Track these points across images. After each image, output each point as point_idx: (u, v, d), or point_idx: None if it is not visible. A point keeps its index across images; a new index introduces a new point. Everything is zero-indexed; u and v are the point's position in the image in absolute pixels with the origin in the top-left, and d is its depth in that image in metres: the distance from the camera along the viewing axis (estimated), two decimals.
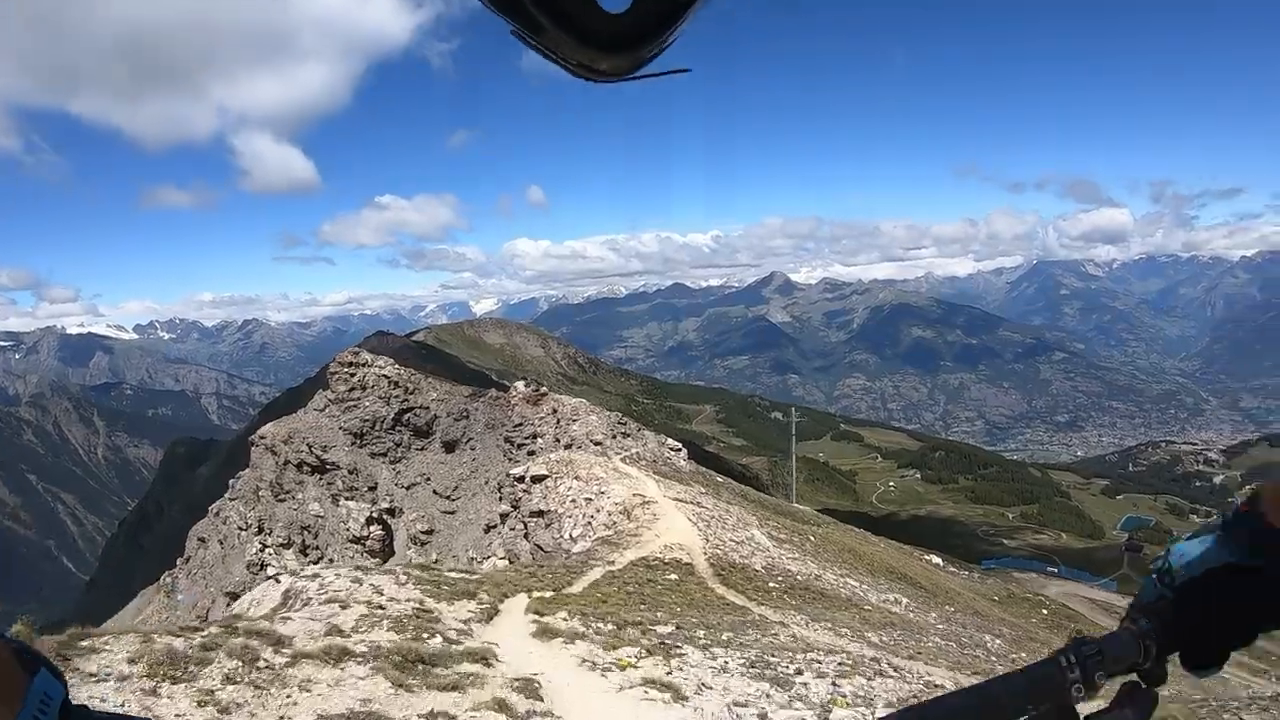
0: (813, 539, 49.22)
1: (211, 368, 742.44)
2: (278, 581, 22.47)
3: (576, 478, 49.32)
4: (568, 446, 62.96)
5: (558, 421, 69.06)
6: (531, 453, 64.75)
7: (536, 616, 18.85)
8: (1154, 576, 1.68)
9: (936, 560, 67.60)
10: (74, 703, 1.13)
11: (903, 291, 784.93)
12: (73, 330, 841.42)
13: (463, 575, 25.05)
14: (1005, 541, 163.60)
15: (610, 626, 18.29)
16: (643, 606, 22.31)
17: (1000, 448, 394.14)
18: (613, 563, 29.65)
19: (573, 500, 45.54)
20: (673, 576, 27.87)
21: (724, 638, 18.54)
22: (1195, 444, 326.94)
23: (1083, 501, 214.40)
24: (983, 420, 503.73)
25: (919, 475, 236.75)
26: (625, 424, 71.24)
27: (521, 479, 52.83)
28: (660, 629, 18.83)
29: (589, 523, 41.58)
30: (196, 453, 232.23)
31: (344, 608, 17.11)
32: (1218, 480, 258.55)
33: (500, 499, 57.49)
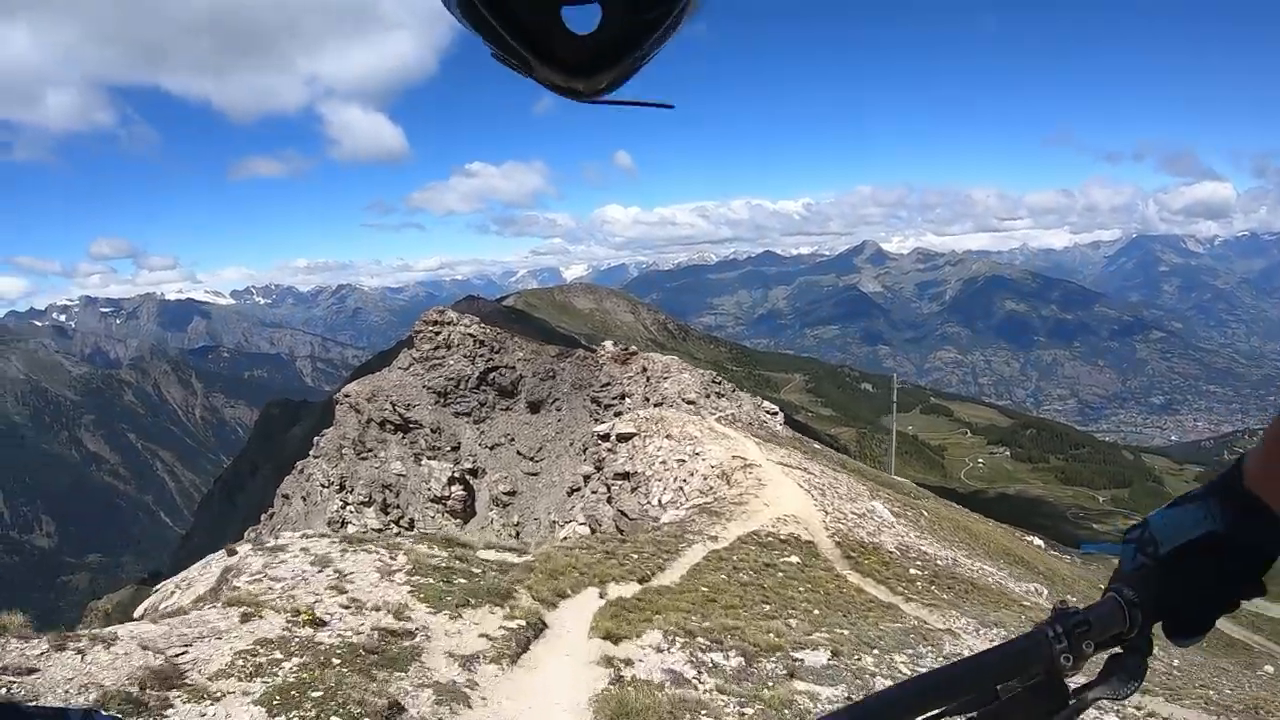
0: (926, 514, 45.14)
1: (306, 331, 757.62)
2: (230, 554, 17.50)
3: (668, 436, 45.04)
4: (658, 405, 60.44)
5: (648, 380, 67.71)
6: (619, 413, 61.69)
7: (607, 642, 12.87)
8: (1133, 545, 1.68)
9: (1039, 543, 65.48)
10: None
11: (996, 263, 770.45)
12: (171, 296, 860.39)
13: (501, 559, 18.42)
14: (1095, 526, 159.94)
15: (734, 658, 12.44)
16: (767, 607, 16.92)
17: (1092, 428, 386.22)
18: (715, 538, 24.49)
19: (663, 461, 41.35)
20: (793, 559, 22.62)
21: (896, 662, 13.73)
22: None
23: (1176, 488, 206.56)
24: (1075, 399, 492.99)
25: (1008, 453, 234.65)
26: (720, 383, 69.09)
27: (606, 437, 49.57)
28: (809, 658, 12.96)
29: (681, 487, 36.96)
30: (290, 413, 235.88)
31: (249, 619, 10.62)
32: None
33: (584, 459, 54.59)
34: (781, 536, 25.45)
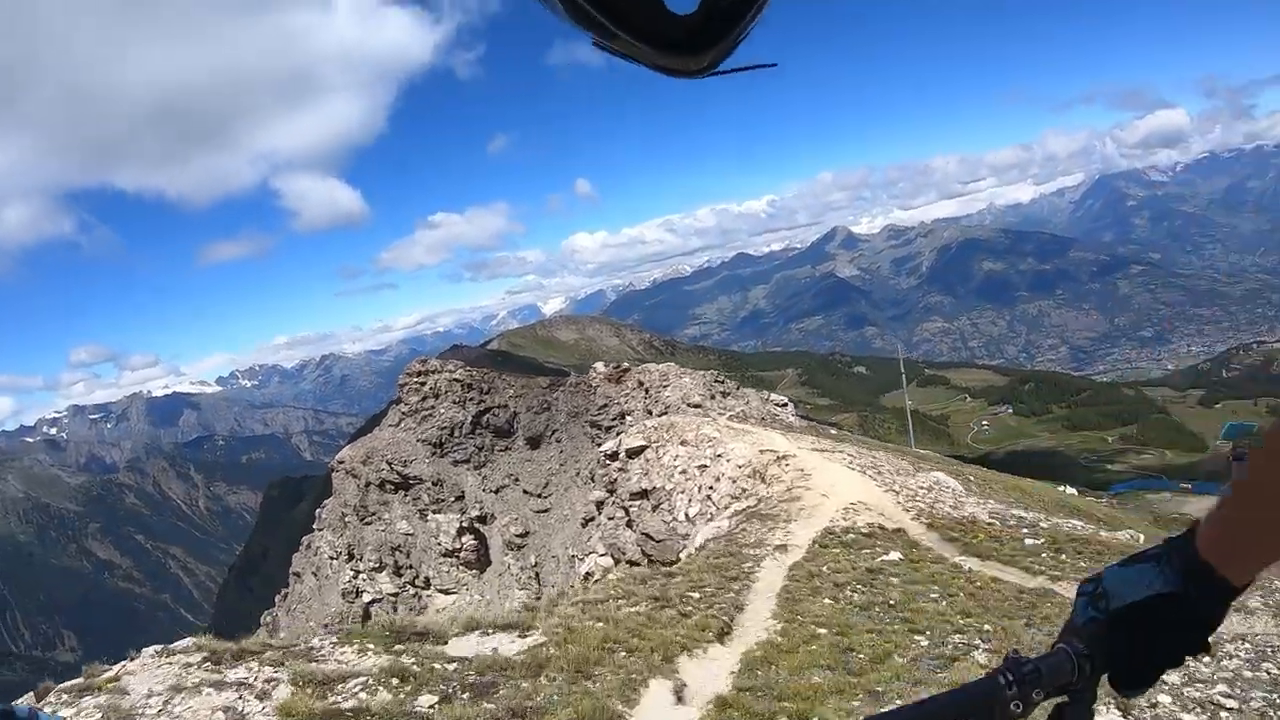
0: (973, 479, 41.66)
1: (297, 407, 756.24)
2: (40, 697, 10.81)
3: (683, 443, 41.34)
4: (663, 414, 56.03)
5: (646, 393, 64.27)
6: (621, 433, 56.76)
7: None
8: (1086, 599, 1.72)
9: (1071, 490, 64.38)
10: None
11: (966, 227, 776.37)
12: (158, 393, 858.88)
13: (489, 653, 10.84)
14: (1109, 466, 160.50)
15: None
16: (923, 640, 11.90)
17: (1089, 371, 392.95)
18: (784, 547, 19.99)
19: (682, 471, 37.94)
20: (894, 555, 18.27)
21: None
22: None
23: (1181, 415, 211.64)
24: (1067, 346, 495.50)
25: (1011, 410, 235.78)
26: (722, 382, 65.37)
27: (615, 456, 45.87)
28: None
29: (708, 495, 34.10)
30: (292, 491, 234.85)
31: None
32: None
33: (594, 485, 51.36)
34: (863, 529, 21.46)
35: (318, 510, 69.85)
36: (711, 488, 34.76)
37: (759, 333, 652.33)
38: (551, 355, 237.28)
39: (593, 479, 53.90)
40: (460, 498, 67.43)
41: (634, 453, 43.72)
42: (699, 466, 37.22)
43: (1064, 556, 18.05)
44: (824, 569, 17.20)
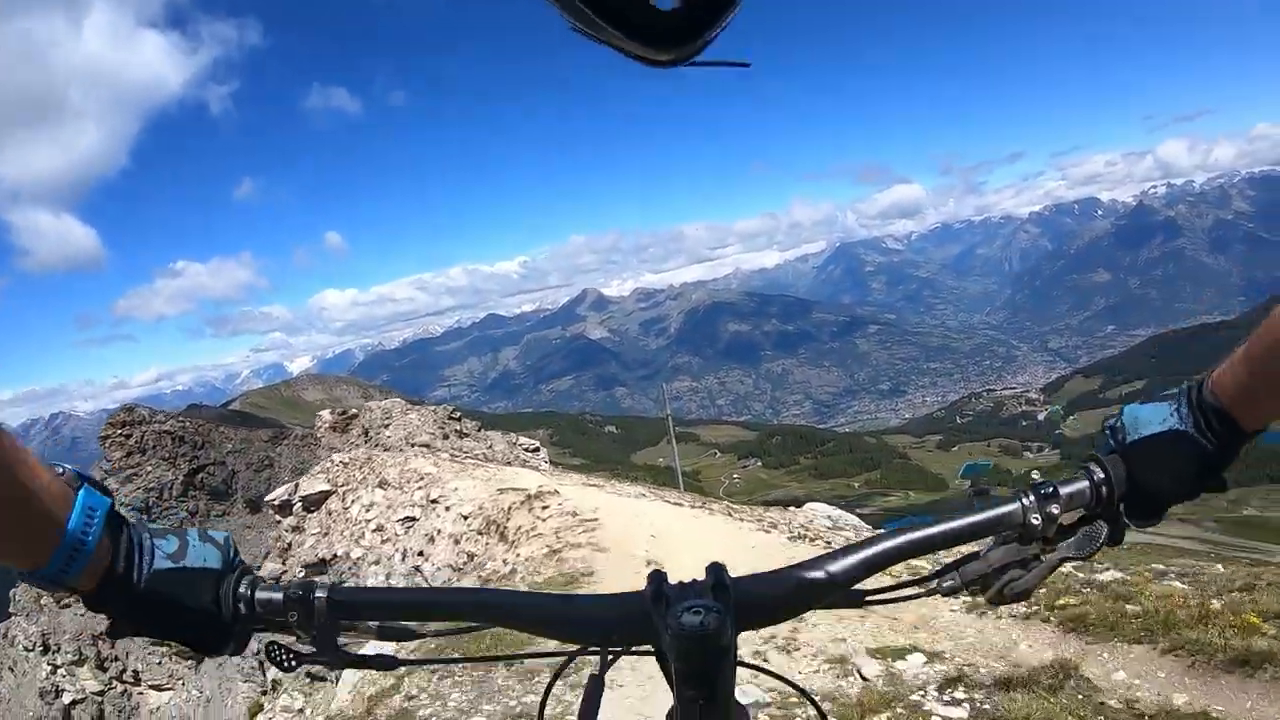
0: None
1: None
2: None
3: (382, 484, 30.84)
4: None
5: (365, 435, 56.36)
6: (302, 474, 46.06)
7: None
8: (1107, 432, 1.77)
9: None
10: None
11: (714, 290, 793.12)
12: None
13: None
14: (857, 510, 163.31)
15: None
16: None
17: (832, 424, 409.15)
18: None
19: (378, 527, 28.19)
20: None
21: None
22: (1014, 388, 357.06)
23: (921, 459, 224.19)
24: (810, 401, 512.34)
25: (760, 463, 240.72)
26: (460, 419, 57.06)
27: (286, 507, 35.41)
28: None
29: (416, 568, 24.54)
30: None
31: None
32: (1041, 417, 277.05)
33: (269, 554, 37.77)
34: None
35: (11, 592, 61.23)
36: (422, 553, 25.08)
37: (510, 394, 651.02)
38: (297, 417, 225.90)
39: (264, 548, 42.24)
40: None
41: (313, 502, 33.55)
42: (403, 520, 27.23)
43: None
44: None
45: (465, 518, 24.17)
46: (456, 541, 23.93)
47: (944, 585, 1.68)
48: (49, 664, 51.55)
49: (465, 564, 22.52)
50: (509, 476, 28.03)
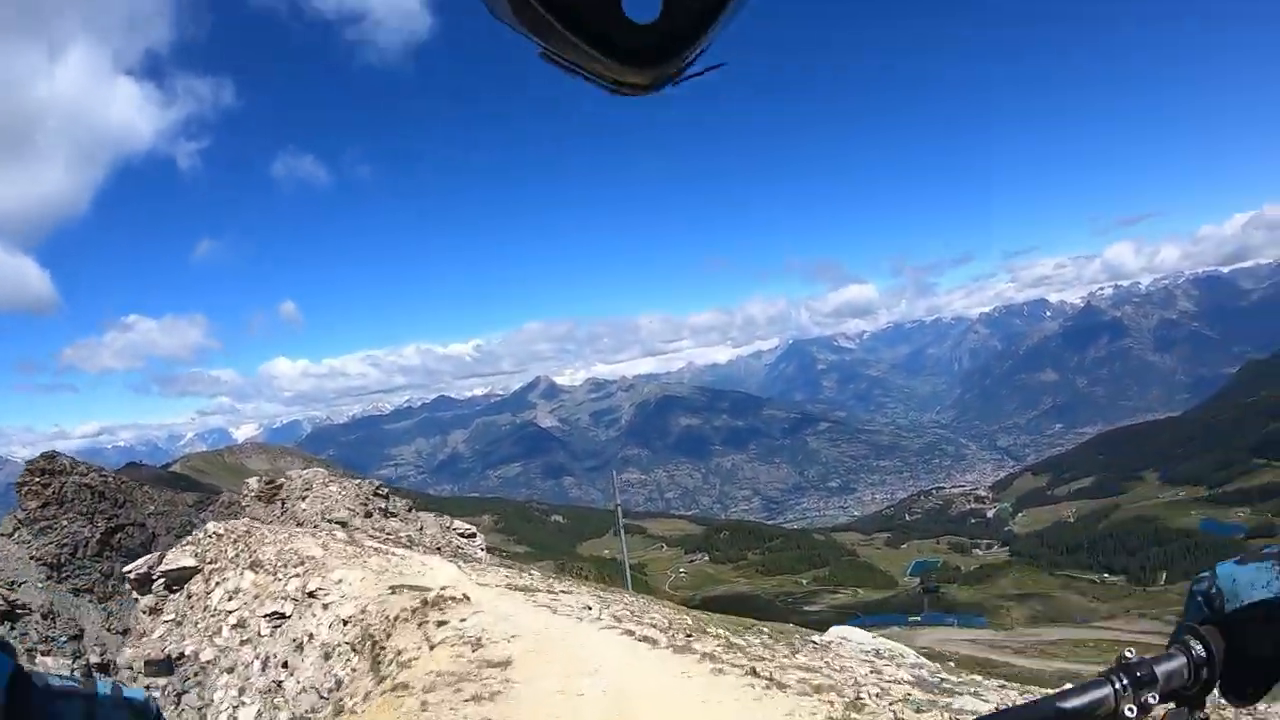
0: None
1: None
2: None
3: (255, 566, 24.81)
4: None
5: (282, 506, 47.97)
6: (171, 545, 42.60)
7: None
8: (1199, 599, 1.62)
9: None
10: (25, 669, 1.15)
11: (666, 384, 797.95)
12: None
13: None
14: (805, 608, 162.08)
15: None
16: None
17: (780, 520, 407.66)
18: None
19: (237, 622, 21.77)
20: None
21: None
22: (963, 485, 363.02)
23: (870, 556, 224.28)
24: (759, 497, 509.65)
25: (707, 558, 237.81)
26: (387, 496, 49.49)
27: (145, 582, 27.89)
28: None
29: (277, 684, 18.28)
30: None
31: None
32: (990, 514, 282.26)
33: (125, 642, 32.72)
34: None
35: None
36: (287, 664, 18.78)
37: (457, 478, 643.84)
38: (236, 485, 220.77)
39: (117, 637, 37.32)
40: (77, 637, 55.16)
41: (176, 580, 26.84)
42: (270, 616, 21.18)
43: None
44: None
45: (345, 622, 18.38)
46: (327, 656, 17.79)
47: None
48: None
49: (333, 692, 16.19)
50: (414, 569, 22.44)
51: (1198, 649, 1.51)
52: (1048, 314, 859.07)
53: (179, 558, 27.38)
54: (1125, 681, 1.48)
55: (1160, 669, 1.50)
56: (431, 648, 14.77)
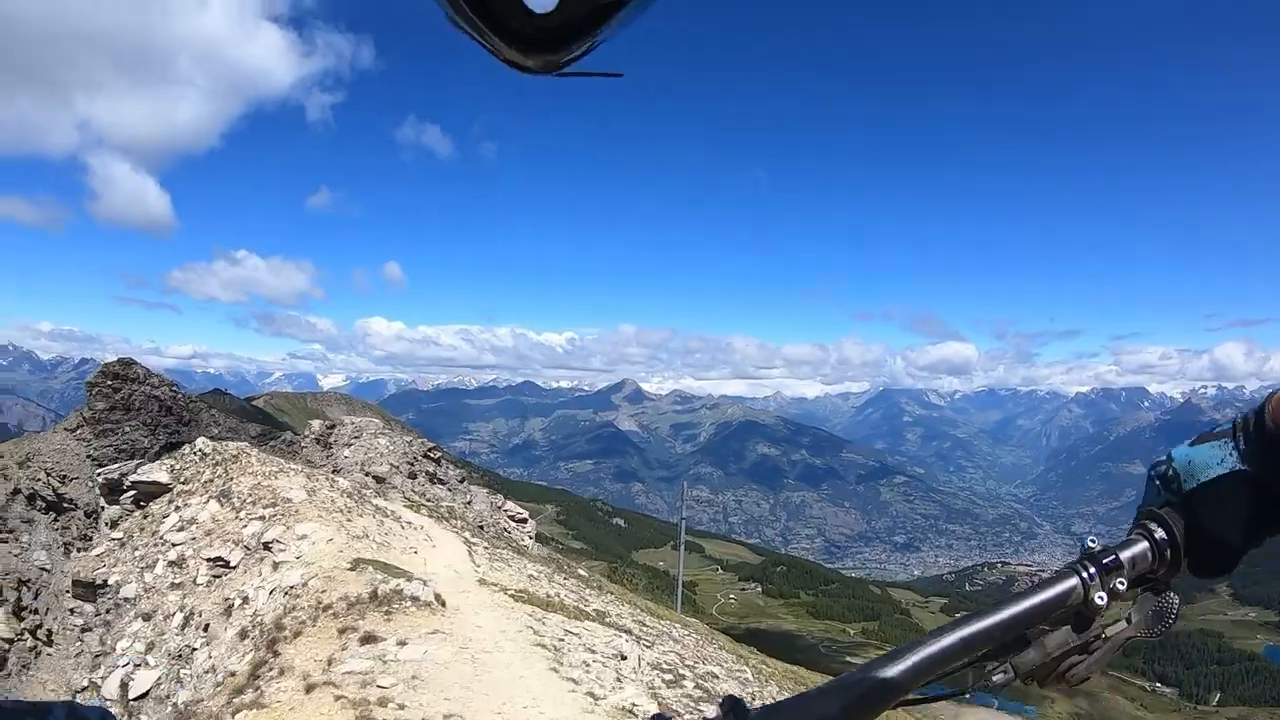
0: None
1: (40, 404, 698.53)
2: None
3: (223, 496, 23.82)
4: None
5: (327, 450, 48.83)
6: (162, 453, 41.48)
7: None
8: (1157, 482, 1.63)
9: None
10: None
11: (751, 409, 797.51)
12: None
13: None
14: (849, 658, 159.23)
15: None
16: None
17: (839, 565, 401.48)
18: None
19: (178, 558, 20.44)
20: None
21: None
22: (1029, 565, 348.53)
23: (922, 619, 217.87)
24: (822, 538, 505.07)
25: (760, 589, 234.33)
26: (439, 463, 48.70)
27: (115, 489, 28.51)
28: None
29: (187, 653, 16.33)
30: None
31: None
32: None
33: (98, 537, 32.53)
34: None
35: None
36: (208, 628, 16.46)
37: (528, 464, 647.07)
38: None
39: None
40: None
41: (145, 495, 26.49)
42: (213, 561, 19.41)
43: None
44: None
45: (288, 591, 15.63)
46: (243, 635, 14.93)
47: (993, 679, 1.56)
48: None
49: (219, 686, 13.43)
50: (410, 543, 19.39)
51: (1159, 532, 1.53)
52: (1145, 404, 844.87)
53: (153, 471, 26.50)
54: (1092, 570, 1.51)
55: (1125, 554, 1.52)
56: (308, 691, 10.94)
